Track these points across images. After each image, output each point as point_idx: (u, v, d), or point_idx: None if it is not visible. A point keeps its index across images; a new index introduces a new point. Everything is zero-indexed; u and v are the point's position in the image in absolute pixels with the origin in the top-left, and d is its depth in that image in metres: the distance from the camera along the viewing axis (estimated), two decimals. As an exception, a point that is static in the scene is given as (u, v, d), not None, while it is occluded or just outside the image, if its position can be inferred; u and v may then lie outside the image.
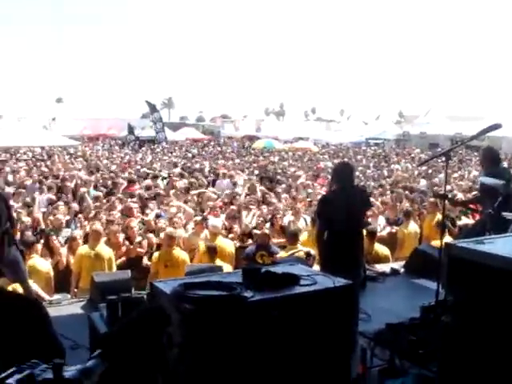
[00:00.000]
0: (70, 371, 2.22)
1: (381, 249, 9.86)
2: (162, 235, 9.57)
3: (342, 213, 6.58)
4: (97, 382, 2.23)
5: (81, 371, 2.23)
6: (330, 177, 18.77)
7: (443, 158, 6.06)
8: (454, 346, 3.71)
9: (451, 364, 3.75)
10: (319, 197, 9.51)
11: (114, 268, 8.71)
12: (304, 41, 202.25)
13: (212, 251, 8.79)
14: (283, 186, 17.11)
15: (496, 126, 6.01)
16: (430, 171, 23.89)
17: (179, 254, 8.89)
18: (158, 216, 11.10)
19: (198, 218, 10.70)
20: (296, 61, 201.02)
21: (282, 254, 9.26)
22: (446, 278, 3.82)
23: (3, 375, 2.14)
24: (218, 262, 8.59)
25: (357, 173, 21.37)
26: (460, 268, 3.63)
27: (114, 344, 2.39)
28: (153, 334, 2.47)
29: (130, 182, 15.87)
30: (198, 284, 3.70)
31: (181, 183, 16.09)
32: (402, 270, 8.76)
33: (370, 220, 11.15)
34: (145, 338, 2.44)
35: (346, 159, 28.16)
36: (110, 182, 16.26)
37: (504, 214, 6.13)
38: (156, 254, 8.91)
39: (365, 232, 8.27)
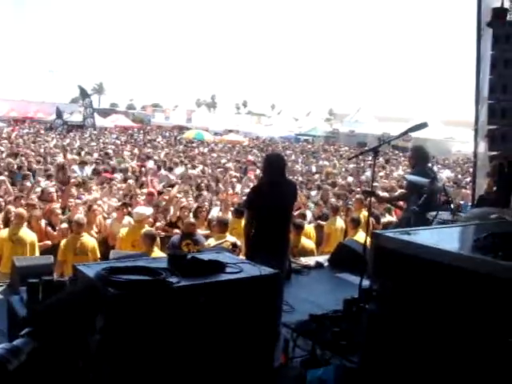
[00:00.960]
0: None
1: (306, 242, 9.94)
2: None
3: (271, 204, 6.60)
4: (24, 361, 2.16)
5: (8, 350, 2.16)
6: (258, 169, 18.95)
7: (372, 156, 6.17)
8: (377, 335, 3.79)
9: (374, 353, 3.82)
10: (247, 189, 9.52)
11: (37, 253, 8.50)
12: (237, 33, 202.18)
13: (150, 239, 8.62)
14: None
15: (422, 125, 6.17)
16: (357, 169, 24.28)
17: (88, 240, 8.72)
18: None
19: (119, 205, 10.60)
20: (228, 53, 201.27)
21: (209, 241, 9.26)
22: (372, 268, 3.90)
23: None
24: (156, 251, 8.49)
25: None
26: (386, 257, 3.73)
27: (46, 322, 2.29)
28: (85, 313, 2.41)
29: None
30: (122, 268, 3.63)
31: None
32: (327, 263, 8.84)
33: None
34: (77, 318, 2.36)
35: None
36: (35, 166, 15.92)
37: (427, 214, 6.31)
38: (64, 242, 8.68)
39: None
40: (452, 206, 6.58)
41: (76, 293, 2.57)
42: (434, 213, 6.20)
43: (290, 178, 12.67)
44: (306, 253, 9.62)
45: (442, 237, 4.02)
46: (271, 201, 6.59)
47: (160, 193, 12.91)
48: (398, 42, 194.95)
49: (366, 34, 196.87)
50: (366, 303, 4.03)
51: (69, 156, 19.54)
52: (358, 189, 15.60)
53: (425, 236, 3.76)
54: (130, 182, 13.59)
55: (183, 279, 3.63)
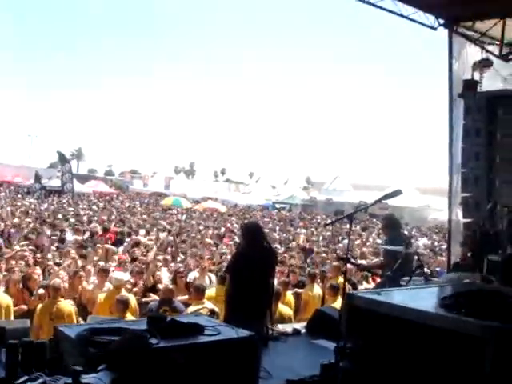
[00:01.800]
0: (87, 378, 2.81)
1: (284, 309, 9.97)
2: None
3: (250, 270, 6.75)
4: None
5: (97, 378, 2.88)
6: (236, 236, 19.04)
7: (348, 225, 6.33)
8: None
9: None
10: (224, 256, 9.59)
11: (12, 317, 8.46)
12: (215, 102, 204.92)
13: (122, 304, 8.63)
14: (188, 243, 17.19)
15: (397, 193, 6.36)
16: (334, 236, 24.46)
17: (65, 306, 8.64)
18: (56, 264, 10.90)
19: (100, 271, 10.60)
20: (207, 122, 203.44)
21: (188, 310, 9.26)
22: (345, 326, 4.03)
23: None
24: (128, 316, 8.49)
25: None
26: (358, 316, 3.88)
27: (116, 358, 3.19)
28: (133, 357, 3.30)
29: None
30: (103, 330, 3.70)
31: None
32: (304, 330, 8.87)
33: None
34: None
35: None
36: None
37: (401, 279, 6.46)
38: (40, 306, 8.62)
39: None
40: (425, 270, 6.74)
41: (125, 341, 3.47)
42: (408, 278, 6.35)
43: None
44: (284, 320, 9.64)
45: (411, 297, 4.18)
46: (250, 267, 6.75)
47: (134, 259, 12.94)
48: (374, 111, 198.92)
49: (344, 103, 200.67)
50: (340, 361, 4.13)
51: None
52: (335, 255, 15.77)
53: (395, 296, 3.93)
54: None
55: (162, 341, 3.70)
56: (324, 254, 16.21)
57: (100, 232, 18.08)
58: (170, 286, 10.05)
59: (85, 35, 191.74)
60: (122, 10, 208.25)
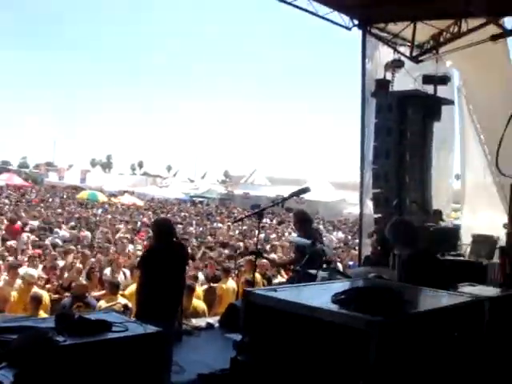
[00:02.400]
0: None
1: (198, 304, 10.06)
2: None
3: (161, 265, 6.85)
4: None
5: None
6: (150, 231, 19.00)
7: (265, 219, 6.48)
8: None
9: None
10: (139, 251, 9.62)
11: None
12: (132, 93, 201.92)
13: (35, 301, 8.54)
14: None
15: (305, 190, 6.57)
16: (249, 231, 24.70)
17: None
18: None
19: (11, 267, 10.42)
20: (124, 113, 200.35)
21: (100, 303, 9.24)
22: (243, 321, 4.20)
23: None
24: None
25: (179, 230, 21.83)
26: (254, 311, 4.10)
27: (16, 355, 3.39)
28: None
29: None
30: (9, 328, 3.71)
31: None
32: (217, 324, 8.98)
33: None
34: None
35: (169, 215, 28.52)
36: None
37: (309, 270, 6.64)
38: None
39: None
40: (331, 265, 6.95)
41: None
42: (315, 271, 6.55)
43: (183, 240, 12.91)
44: (198, 314, 9.73)
45: (306, 293, 4.45)
46: (160, 262, 6.85)
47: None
48: (292, 106, 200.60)
49: (261, 96, 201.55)
50: (238, 355, 4.28)
51: None
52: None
53: (289, 292, 4.17)
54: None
55: (69, 338, 3.73)
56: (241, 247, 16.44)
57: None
58: (84, 282, 10.00)
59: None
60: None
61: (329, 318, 3.63)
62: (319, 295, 4.14)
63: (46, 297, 9.38)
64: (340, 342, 3.58)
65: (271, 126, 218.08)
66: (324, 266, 7.44)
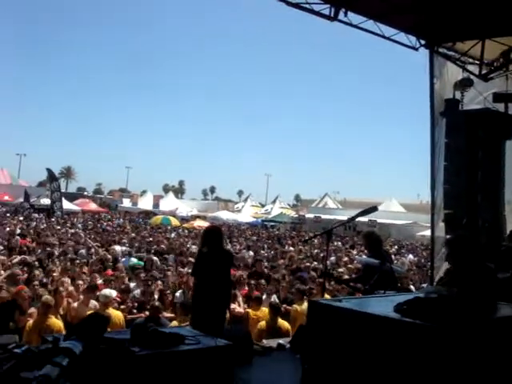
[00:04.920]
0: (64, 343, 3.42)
1: (283, 323, 10.08)
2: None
3: (212, 272, 7.40)
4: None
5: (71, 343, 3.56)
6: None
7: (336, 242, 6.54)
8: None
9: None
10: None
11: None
12: (204, 120, 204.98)
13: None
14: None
15: (373, 209, 6.58)
16: (321, 254, 24.57)
17: (55, 322, 8.74)
18: (42, 284, 10.95)
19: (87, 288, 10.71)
20: (196, 139, 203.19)
21: (173, 323, 9.40)
22: (309, 328, 4.32)
23: None
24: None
25: (251, 253, 22.08)
26: (320, 320, 4.18)
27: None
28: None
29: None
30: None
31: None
32: (288, 345, 9.01)
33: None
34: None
35: (242, 238, 28.69)
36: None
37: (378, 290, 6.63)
38: (30, 322, 8.71)
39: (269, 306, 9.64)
40: (399, 285, 6.93)
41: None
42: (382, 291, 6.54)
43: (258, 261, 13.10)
44: (282, 334, 9.73)
45: (369, 303, 4.49)
46: (210, 268, 7.39)
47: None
48: (359, 131, 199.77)
49: (333, 121, 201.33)
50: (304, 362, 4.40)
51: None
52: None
53: (353, 303, 4.27)
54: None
55: (144, 349, 3.90)
56: (312, 272, 16.40)
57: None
58: (157, 304, 10.19)
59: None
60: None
61: (388, 325, 3.74)
62: (382, 305, 4.21)
63: (120, 317, 9.64)
64: (402, 349, 3.65)
65: (340, 148, 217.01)
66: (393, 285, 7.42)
